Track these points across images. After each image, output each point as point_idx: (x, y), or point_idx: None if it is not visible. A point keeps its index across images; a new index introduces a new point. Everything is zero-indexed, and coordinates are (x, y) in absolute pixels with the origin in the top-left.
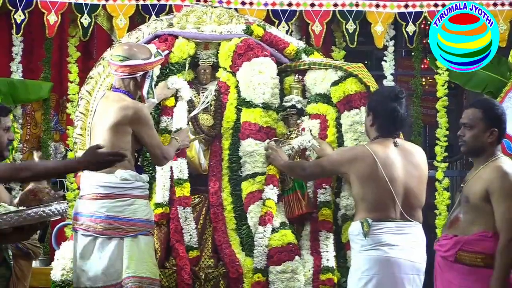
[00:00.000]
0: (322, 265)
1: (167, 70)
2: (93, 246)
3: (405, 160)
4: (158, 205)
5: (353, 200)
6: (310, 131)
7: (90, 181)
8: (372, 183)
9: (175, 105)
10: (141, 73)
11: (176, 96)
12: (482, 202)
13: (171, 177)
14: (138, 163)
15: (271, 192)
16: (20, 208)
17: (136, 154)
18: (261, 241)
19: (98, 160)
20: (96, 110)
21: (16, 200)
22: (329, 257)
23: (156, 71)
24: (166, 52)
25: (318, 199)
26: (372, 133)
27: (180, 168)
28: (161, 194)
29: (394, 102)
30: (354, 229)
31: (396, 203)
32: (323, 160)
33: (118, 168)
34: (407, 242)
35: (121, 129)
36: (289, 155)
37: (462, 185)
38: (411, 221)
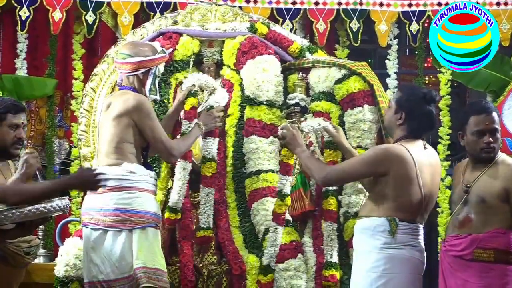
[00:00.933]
0: (325, 260)
1: (171, 68)
2: (104, 239)
3: (431, 163)
4: (171, 209)
5: (356, 198)
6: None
7: None
8: (409, 185)
9: (193, 107)
10: (143, 70)
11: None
12: (499, 202)
13: (189, 182)
14: (148, 161)
15: (288, 185)
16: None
17: (143, 151)
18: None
19: (88, 180)
20: (103, 108)
21: None
22: (332, 253)
23: (161, 68)
24: (170, 50)
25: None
26: (398, 132)
27: (207, 147)
28: (175, 198)
29: (429, 105)
30: (377, 225)
31: (422, 206)
32: (351, 163)
33: (124, 161)
34: (421, 243)
35: (123, 120)
36: None
37: (467, 185)
38: (422, 224)
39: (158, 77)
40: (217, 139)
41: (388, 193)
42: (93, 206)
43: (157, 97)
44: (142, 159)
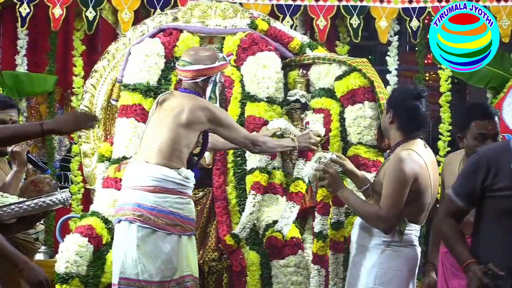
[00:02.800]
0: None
1: (172, 64)
2: (152, 239)
3: (433, 164)
4: (233, 235)
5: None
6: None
7: (148, 172)
8: (425, 193)
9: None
10: (202, 78)
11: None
12: None
13: None
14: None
15: (326, 225)
16: (21, 199)
17: (194, 156)
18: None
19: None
20: (162, 106)
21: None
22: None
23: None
24: (232, 57)
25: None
26: (392, 132)
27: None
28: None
29: (417, 101)
30: None
31: (428, 209)
32: (391, 192)
33: (181, 166)
34: (418, 244)
35: (193, 128)
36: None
37: None
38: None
39: (220, 82)
40: (307, 162)
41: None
42: (144, 203)
43: (217, 105)
44: (193, 164)
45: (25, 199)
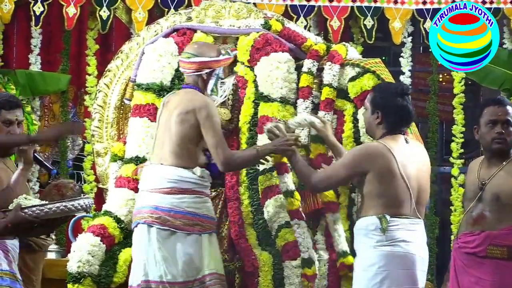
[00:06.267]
0: (336, 251)
1: None
2: (172, 240)
3: (415, 157)
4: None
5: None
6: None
7: (163, 174)
8: (391, 180)
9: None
10: (207, 70)
11: None
12: None
13: None
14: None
15: (290, 181)
16: (43, 202)
17: (207, 151)
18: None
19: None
20: (166, 106)
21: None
22: (341, 241)
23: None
24: (235, 52)
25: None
26: (378, 131)
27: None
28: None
29: (403, 99)
30: (368, 224)
31: (411, 200)
32: (334, 168)
33: (195, 165)
34: (418, 239)
35: (187, 120)
36: None
37: (482, 182)
38: (419, 218)
39: (221, 78)
40: (289, 174)
41: (374, 191)
42: (161, 205)
43: (218, 97)
44: (207, 160)
45: (47, 202)
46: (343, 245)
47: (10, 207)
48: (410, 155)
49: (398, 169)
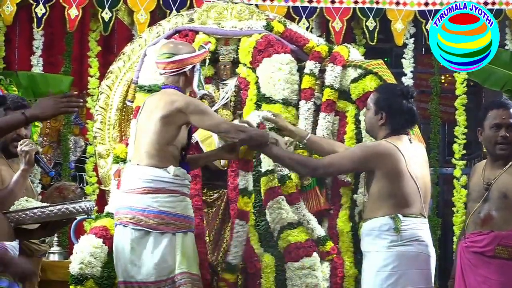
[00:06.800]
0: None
1: None
2: (146, 241)
3: (419, 157)
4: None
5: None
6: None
7: (139, 175)
8: (401, 179)
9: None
10: (190, 66)
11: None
12: None
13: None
14: (186, 161)
15: (250, 181)
16: (44, 204)
17: (182, 151)
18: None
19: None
20: (144, 107)
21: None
22: (315, 227)
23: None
24: (210, 45)
25: (239, 186)
26: (381, 132)
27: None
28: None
29: (408, 101)
30: (382, 225)
31: (420, 199)
32: (341, 157)
33: (170, 164)
34: (427, 238)
35: (170, 122)
36: None
37: (488, 183)
38: (425, 217)
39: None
40: (250, 173)
41: (385, 191)
42: (135, 205)
43: (206, 91)
44: (181, 159)
45: (48, 204)
46: (318, 230)
47: (11, 209)
48: (414, 154)
49: (407, 168)
